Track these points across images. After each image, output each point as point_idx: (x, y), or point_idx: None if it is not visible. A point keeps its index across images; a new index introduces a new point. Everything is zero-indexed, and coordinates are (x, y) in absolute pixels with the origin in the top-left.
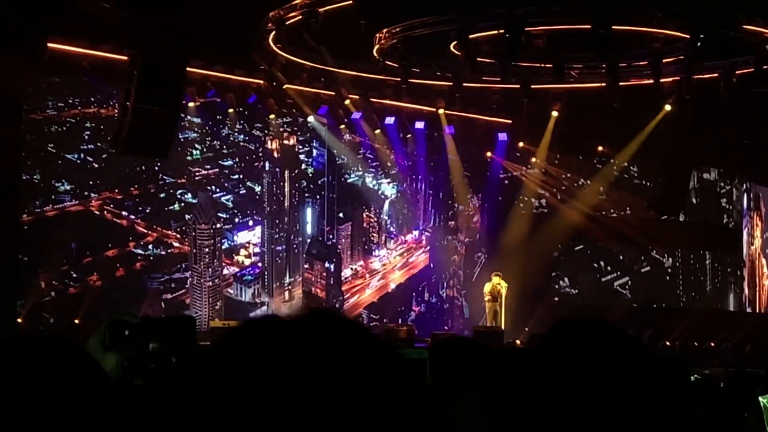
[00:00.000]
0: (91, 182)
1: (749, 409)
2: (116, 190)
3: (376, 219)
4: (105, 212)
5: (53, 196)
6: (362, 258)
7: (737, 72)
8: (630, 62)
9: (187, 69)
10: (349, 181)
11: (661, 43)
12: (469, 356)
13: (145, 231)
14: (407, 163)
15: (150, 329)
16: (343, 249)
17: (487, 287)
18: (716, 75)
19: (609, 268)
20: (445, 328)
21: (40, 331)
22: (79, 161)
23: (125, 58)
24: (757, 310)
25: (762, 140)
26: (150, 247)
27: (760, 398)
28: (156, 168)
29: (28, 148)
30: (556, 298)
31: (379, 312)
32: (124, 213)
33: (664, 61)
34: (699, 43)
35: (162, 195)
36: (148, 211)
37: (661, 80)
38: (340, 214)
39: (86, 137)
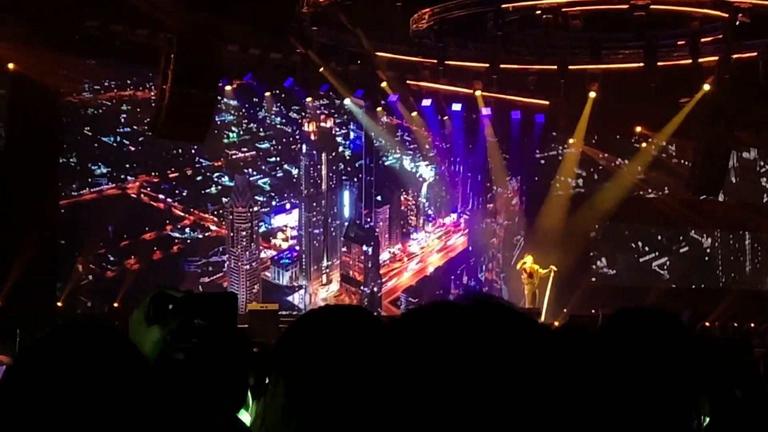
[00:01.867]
0: (127, 165)
1: None
2: (153, 173)
3: (414, 202)
4: (142, 195)
5: (90, 180)
6: (400, 241)
7: None
8: (668, 42)
9: (224, 52)
10: (386, 163)
11: (700, 22)
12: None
13: (182, 214)
14: (445, 146)
15: (194, 304)
16: (380, 232)
17: (524, 269)
18: (755, 54)
19: (647, 249)
20: None
21: (79, 317)
22: (115, 144)
23: (162, 41)
24: None
25: None
26: (187, 230)
27: None
28: (192, 151)
29: (64, 131)
30: (594, 279)
31: (417, 295)
32: (161, 196)
33: (702, 40)
34: (737, 23)
35: (199, 178)
36: (185, 194)
37: (700, 60)
38: (378, 197)
39: (122, 120)
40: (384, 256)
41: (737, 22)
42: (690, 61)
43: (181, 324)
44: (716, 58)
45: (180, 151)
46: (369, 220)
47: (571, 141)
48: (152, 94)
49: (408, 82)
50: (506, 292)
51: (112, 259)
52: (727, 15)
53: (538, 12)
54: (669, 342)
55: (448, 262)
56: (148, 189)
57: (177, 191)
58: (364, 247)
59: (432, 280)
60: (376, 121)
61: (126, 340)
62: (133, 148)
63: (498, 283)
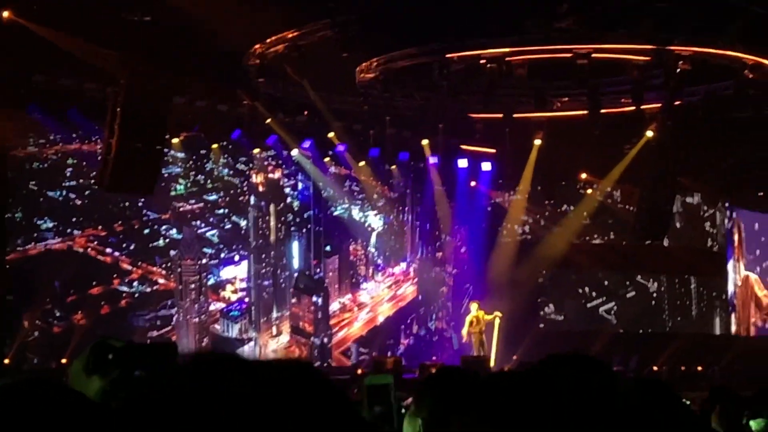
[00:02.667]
0: (74, 219)
1: None
2: (100, 227)
3: (363, 251)
4: (89, 249)
5: (36, 234)
6: (350, 291)
7: (717, 97)
8: (611, 89)
9: (171, 104)
10: (335, 213)
11: (642, 70)
12: (459, 385)
13: (130, 267)
14: (393, 195)
15: (134, 355)
16: (330, 282)
17: (470, 319)
18: (697, 100)
19: (594, 294)
20: (434, 358)
21: (26, 373)
22: (61, 198)
23: (109, 94)
24: (743, 333)
25: (743, 164)
26: (135, 283)
27: (751, 423)
28: (140, 204)
29: (9, 185)
30: (542, 325)
31: (367, 345)
32: (108, 250)
33: (644, 87)
34: (678, 70)
35: (146, 231)
36: (132, 247)
37: (642, 107)
38: (327, 247)
39: (68, 174)
40: (334, 306)
41: (678, 70)
42: (633, 108)
43: (122, 375)
44: (658, 104)
45: (127, 204)
46: (318, 270)
47: (517, 188)
48: (99, 147)
49: (355, 131)
50: (456, 340)
51: (59, 314)
52: (668, 62)
53: (483, 61)
54: (594, 388)
55: (399, 312)
56: (95, 243)
57: (124, 244)
58: (314, 298)
59: (382, 330)
60: (324, 171)
61: (76, 396)
62: (79, 202)
63: (448, 332)
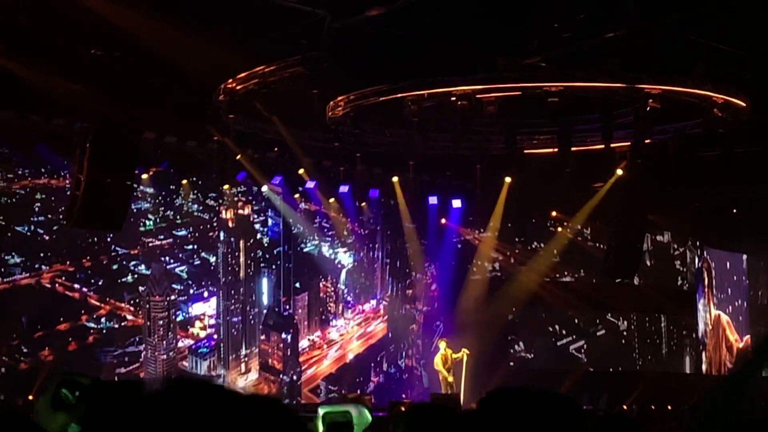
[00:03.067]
0: (41, 254)
1: None
2: (68, 262)
3: (333, 288)
4: (56, 285)
5: (2, 269)
6: (319, 328)
7: (686, 135)
8: (581, 127)
9: (140, 140)
10: (305, 250)
11: (612, 108)
12: (428, 422)
13: (98, 304)
14: (363, 232)
15: (101, 391)
16: (300, 319)
17: (437, 359)
18: (666, 139)
19: (564, 332)
20: (403, 396)
21: None
22: (29, 233)
23: (78, 130)
24: (714, 372)
25: (713, 203)
26: (103, 320)
27: None
28: (108, 239)
29: None
30: (512, 363)
31: (337, 383)
32: (75, 285)
33: (614, 125)
34: (648, 108)
35: (114, 266)
36: (100, 283)
37: (612, 145)
38: (297, 284)
39: (36, 209)
40: (303, 343)
41: (648, 108)
42: (603, 146)
43: (87, 411)
44: (628, 143)
45: (95, 239)
46: (288, 307)
47: (487, 225)
48: (67, 182)
49: (325, 167)
50: (426, 378)
51: (25, 350)
52: (638, 101)
53: (453, 98)
54: (563, 424)
55: (368, 349)
56: (63, 278)
57: (92, 280)
58: (283, 335)
59: (352, 367)
60: (294, 207)
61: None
62: (47, 237)
63: (418, 370)
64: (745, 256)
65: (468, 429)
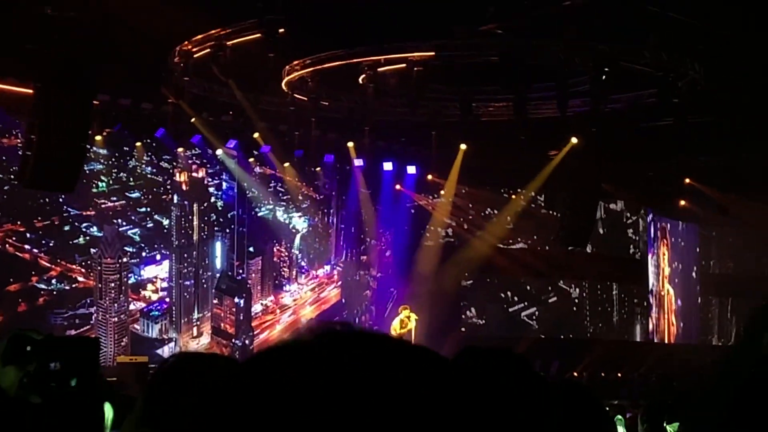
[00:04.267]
0: None
1: None
2: (18, 222)
3: (287, 253)
4: (6, 245)
5: None
6: (273, 293)
7: (641, 105)
8: (537, 95)
9: (94, 102)
10: (259, 214)
11: (568, 75)
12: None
13: (49, 265)
14: (318, 197)
15: (53, 347)
16: (253, 284)
17: (396, 322)
18: (621, 108)
19: (516, 299)
20: None
21: None
22: None
23: (30, 90)
24: (664, 340)
25: (666, 173)
26: (54, 281)
27: (668, 426)
28: (60, 200)
29: None
30: (463, 329)
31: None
32: (26, 246)
33: (570, 93)
34: (603, 77)
35: (66, 228)
36: (51, 244)
37: (567, 113)
38: (251, 249)
39: None
40: (256, 308)
41: (603, 76)
42: (558, 113)
43: (38, 367)
44: (583, 110)
45: (47, 200)
46: (241, 271)
47: (442, 192)
48: (18, 141)
49: (280, 132)
50: None
51: None
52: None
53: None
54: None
55: (321, 315)
56: (14, 239)
57: (44, 241)
58: (236, 299)
59: None
60: (249, 171)
61: None
62: None
63: None
64: (697, 226)
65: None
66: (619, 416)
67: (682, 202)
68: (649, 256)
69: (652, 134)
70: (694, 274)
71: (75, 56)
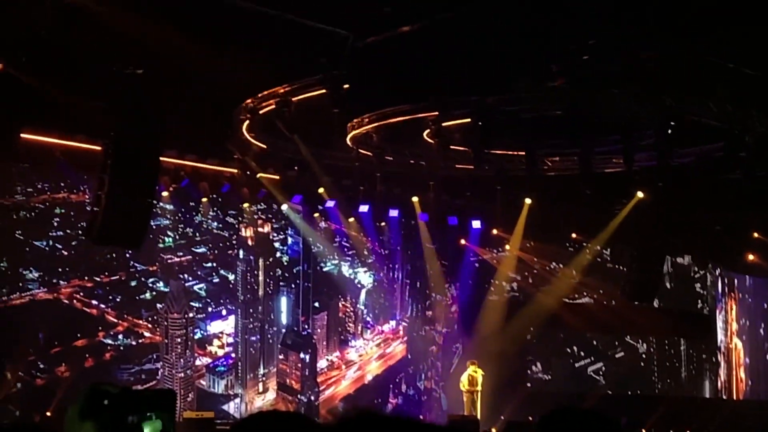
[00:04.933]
0: (60, 270)
1: None
2: (86, 278)
3: (352, 308)
4: (74, 301)
5: (21, 284)
6: (338, 348)
7: (708, 158)
8: (603, 149)
9: (161, 158)
10: (324, 269)
11: (634, 130)
12: None
13: (116, 320)
14: (383, 252)
15: (130, 400)
16: (318, 339)
17: (464, 377)
18: (687, 162)
19: (582, 354)
20: (421, 418)
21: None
22: (47, 248)
23: (98, 147)
24: (733, 397)
25: (733, 227)
26: (120, 336)
27: None
28: (127, 255)
29: None
30: (529, 384)
31: (355, 404)
32: (93, 302)
33: (636, 147)
34: (670, 131)
35: (133, 283)
36: (118, 299)
37: (633, 167)
38: (316, 304)
39: (55, 224)
40: (322, 363)
41: (670, 130)
42: (624, 168)
43: (115, 420)
44: (649, 165)
45: (114, 255)
46: (306, 326)
47: (507, 247)
48: (86, 197)
49: (345, 187)
50: (445, 400)
51: (42, 366)
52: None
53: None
54: None
55: (387, 370)
56: (81, 294)
57: (110, 297)
58: (302, 355)
59: (370, 389)
60: (314, 226)
61: None
62: (66, 253)
63: (437, 392)
64: (766, 280)
65: None
66: None
67: (751, 257)
68: (717, 311)
69: (719, 188)
70: (762, 329)
71: (143, 113)
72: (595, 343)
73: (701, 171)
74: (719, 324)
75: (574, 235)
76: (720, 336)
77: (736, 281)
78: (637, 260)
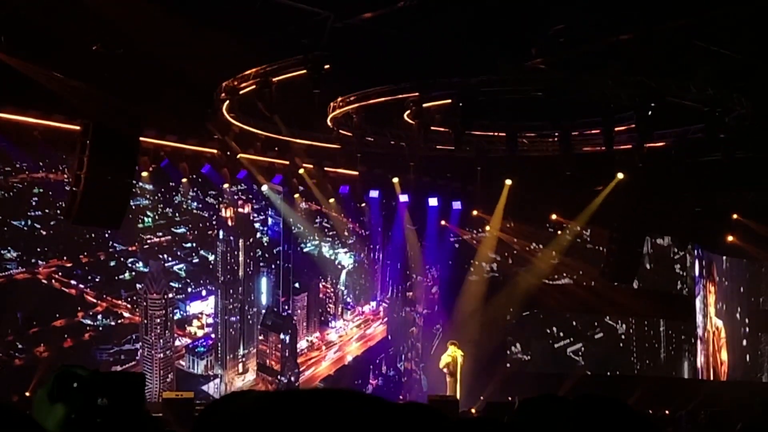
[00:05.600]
0: (38, 249)
1: None
2: (65, 258)
3: (332, 289)
4: (53, 281)
5: None
6: (318, 329)
7: (688, 140)
8: (582, 130)
9: (141, 138)
10: (305, 250)
11: (613, 111)
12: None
13: (95, 300)
14: (364, 233)
15: (99, 383)
16: (298, 320)
17: (444, 358)
18: (667, 143)
19: (562, 334)
20: (400, 398)
21: None
22: (26, 228)
23: (77, 127)
24: (711, 378)
25: (713, 208)
26: (99, 317)
27: None
28: (106, 235)
29: None
30: (509, 365)
31: (335, 384)
32: (72, 282)
33: (616, 129)
34: (650, 112)
35: (112, 263)
36: (97, 279)
37: (614, 148)
38: (296, 285)
39: (34, 203)
40: (302, 344)
41: (650, 112)
42: (604, 149)
43: (85, 403)
44: (629, 146)
45: (93, 235)
46: (287, 307)
47: (487, 228)
48: (65, 176)
49: (325, 168)
50: (425, 381)
51: (20, 346)
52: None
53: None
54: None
55: (367, 351)
56: (60, 274)
57: (89, 277)
58: (282, 335)
59: (351, 370)
60: (294, 207)
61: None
62: (44, 232)
63: (417, 373)
64: (745, 261)
65: None
66: None
67: (730, 238)
68: (696, 293)
69: (699, 169)
70: (739, 310)
71: (122, 93)
72: (574, 323)
73: (681, 152)
74: (698, 305)
75: (554, 216)
76: (699, 317)
77: (714, 263)
78: (617, 241)
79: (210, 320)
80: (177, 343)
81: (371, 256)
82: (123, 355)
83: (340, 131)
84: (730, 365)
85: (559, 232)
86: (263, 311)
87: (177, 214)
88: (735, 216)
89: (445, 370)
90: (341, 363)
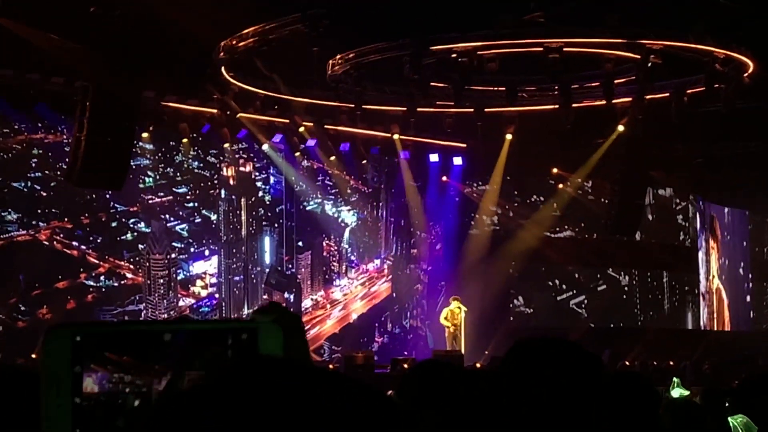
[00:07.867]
0: (39, 211)
1: (721, 430)
2: (66, 219)
3: (336, 247)
4: (54, 242)
5: None
6: (323, 288)
7: (688, 91)
8: (582, 84)
9: (140, 98)
10: (308, 208)
11: (613, 64)
12: (436, 379)
13: (97, 261)
14: (367, 190)
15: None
16: (302, 279)
17: (445, 313)
18: (667, 95)
19: (564, 287)
20: (405, 353)
21: None
22: (26, 189)
23: (77, 89)
24: (715, 328)
25: (713, 159)
26: (102, 278)
27: (730, 419)
28: (107, 196)
29: None
30: (512, 318)
31: (340, 343)
32: (74, 243)
33: (615, 82)
34: (649, 64)
35: (114, 224)
36: (99, 240)
37: (614, 101)
38: (299, 243)
39: (33, 164)
40: (306, 303)
41: (649, 64)
42: (604, 102)
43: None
44: (629, 98)
45: (94, 196)
46: (290, 266)
47: (488, 183)
48: (65, 137)
49: (326, 126)
50: (431, 338)
51: (23, 308)
52: (639, 57)
53: (454, 55)
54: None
55: (372, 309)
56: (61, 236)
57: (91, 238)
58: (286, 294)
59: (356, 328)
60: (296, 166)
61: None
62: (44, 194)
63: (423, 330)
64: (747, 212)
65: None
66: (676, 378)
67: (732, 188)
68: (699, 246)
69: (699, 120)
70: (742, 261)
71: (121, 54)
72: (577, 276)
73: (681, 103)
74: (701, 256)
75: (555, 170)
76: (701, 268)
77: (717, 213)
78: (618, 194)
79: (213, 280)
80: (181, 303)
81: (375, 214)
82: (126, 316)
83: (340, 88)
84: (733, 321)
85: (561, 185)
86: (267, 270)
87: (178, 174)
88: (736, 166)
89: (445, 324)
90: (346, 321)
